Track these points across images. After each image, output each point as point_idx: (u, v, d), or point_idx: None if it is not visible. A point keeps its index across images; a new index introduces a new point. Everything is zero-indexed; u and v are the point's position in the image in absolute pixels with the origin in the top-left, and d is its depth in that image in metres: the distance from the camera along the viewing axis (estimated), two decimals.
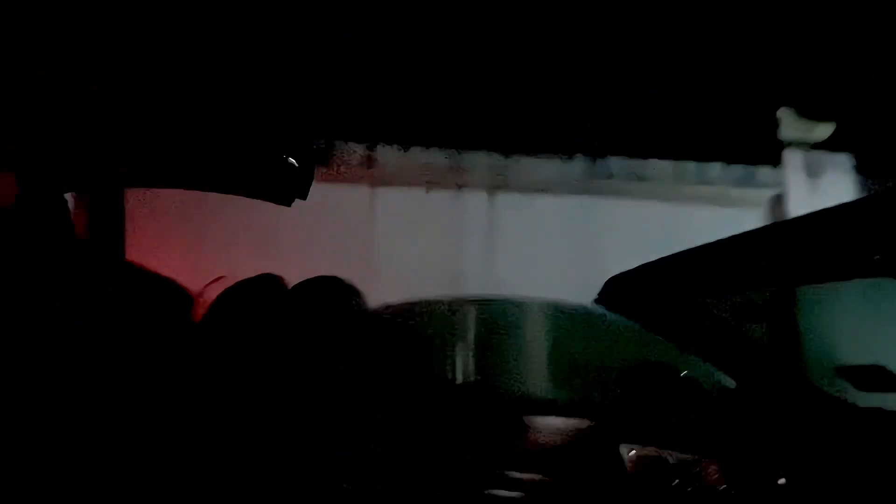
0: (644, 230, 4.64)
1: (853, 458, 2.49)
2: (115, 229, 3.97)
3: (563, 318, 4.02)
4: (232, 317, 1.68)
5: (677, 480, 2.64)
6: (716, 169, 5.14)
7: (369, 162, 4.63)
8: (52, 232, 1.87)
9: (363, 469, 1.75)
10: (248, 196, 2.07)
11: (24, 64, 1.73)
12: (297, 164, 1.87)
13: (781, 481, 2.51)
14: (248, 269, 2.41)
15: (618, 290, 3.40)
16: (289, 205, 2.10)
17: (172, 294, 2.02)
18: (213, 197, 4.34)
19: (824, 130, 5.37)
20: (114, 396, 1.74)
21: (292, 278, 2.25)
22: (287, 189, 1.96)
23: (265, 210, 4.39)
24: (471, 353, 3.93)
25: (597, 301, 3.54)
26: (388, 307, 3.85)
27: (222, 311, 1.72)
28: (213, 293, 1.81)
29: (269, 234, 4.23)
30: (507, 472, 2.75)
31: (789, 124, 5.34)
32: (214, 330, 1.73)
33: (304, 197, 2.03)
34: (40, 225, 1.81)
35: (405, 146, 4.67)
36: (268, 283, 1.80)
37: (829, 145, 5.34)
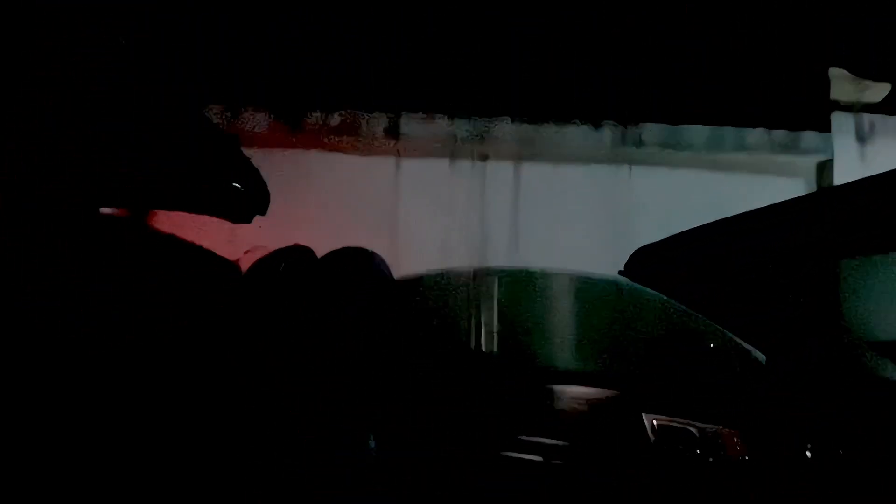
0: (678, 200, 4.49)
1: (887, 436, 2.45)
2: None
3: (589, 289, 3.97)
4: (267, 286, 1.69)
5: (699, 450, 2.62)
6: (757, 134, 4.91)
7: (393, 133, 4.57)
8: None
9: (365, 468, 1.77)
10: (207, 214, 2.07)
11: (24, 64, 1.74)
12: (244, 188, 1.87)
13: (808, 454, 2.50)
14: (273, 241, 2.44)
15: (645, 260, 3.35)
16: (248, 222, 2.10)
17: (217, 266, 2.04)
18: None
19: (878, 92, 5.06)
20: (125, 389, 1.78)
21: (317, 249, 2.27)
22: (241, 209, 1.97)
23: (290, 181, 4.43)
24: (494, 324, 3.92)
25: (623, 272, 3.49)
26: (410, 278, 3.85)
27: (257, 280, 1.73)
28: (246, 263, 1.82)
29: (294, 204, 4.25)
30: (528, 438, 2.77)
31: (840, 85, 5.04)
32: (249, 303, 1.74)
33: (263, 213, 2.04)
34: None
35: (429, 116, 4.59)
36: (301, 254, 1.80)
37: (882, 108, 5.05)
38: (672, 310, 3.54)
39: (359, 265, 1.80)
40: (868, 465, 2.46)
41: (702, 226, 3.04)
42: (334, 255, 1.78)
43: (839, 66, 5.01)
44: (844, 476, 2.46)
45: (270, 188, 4.33)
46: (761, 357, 3.11)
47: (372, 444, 1.67)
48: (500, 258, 4.41)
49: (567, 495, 2.71)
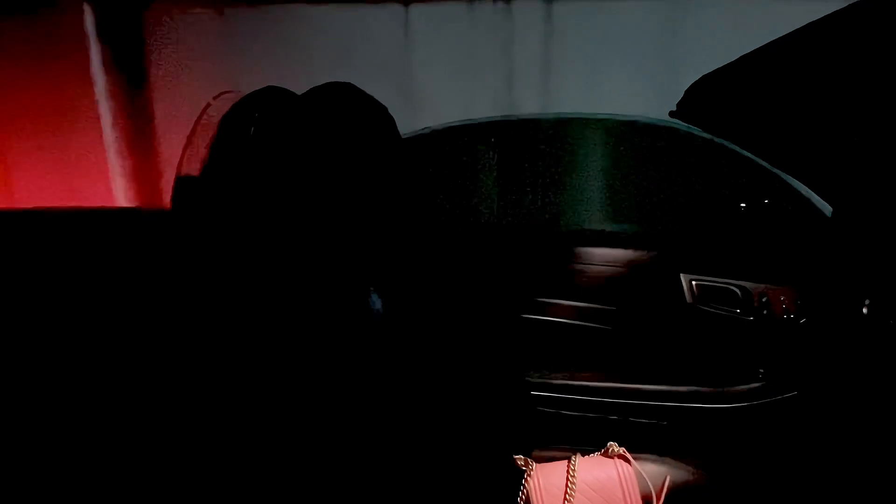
0: (738, 38, 3.87)
1: None
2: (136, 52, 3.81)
3: (628, 136, 3.51)
4: (244, 133, 1.33)
5: (739, 310, 2.53)
6: None
7: None
8: None
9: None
10: None
11: None
12: None
13: (865, 310, 2.19)
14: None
15: (703, 94, 2.88)
16: None
17: None
18: (234, 18, 3.98)
19: None
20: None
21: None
22: None
23: (280, 40, 4.00)
24: (521, 180, 3.53)
25: (675, 112, 3.13)
26: (424, 130, 3.47)
27: (232, 128, 1.37)
28: (219, 110, 1.46)
29: (286, 66, 3.82)
30: (546, 300, 2.71)
31: None
32: (227, 154, 1.36)
33: None
34: None
35: None
36: (277, 95, 1.42)
37: None
38: (725, 156, 3.17)
39: (348, 98, 1.39)
40: None
41: (776, 40, 2.48)
42: (317, 91, 1.36)
43: None
44: None
45: (259, 48, 3.95)
46: (828, 209, 2.77)
47: (376, 301, 1.27)
48: (530, 109, 3.91)
49: (588, 357, 2.63)
